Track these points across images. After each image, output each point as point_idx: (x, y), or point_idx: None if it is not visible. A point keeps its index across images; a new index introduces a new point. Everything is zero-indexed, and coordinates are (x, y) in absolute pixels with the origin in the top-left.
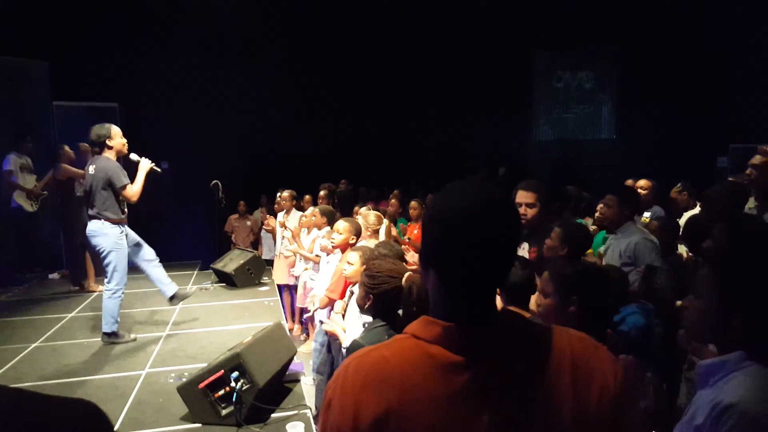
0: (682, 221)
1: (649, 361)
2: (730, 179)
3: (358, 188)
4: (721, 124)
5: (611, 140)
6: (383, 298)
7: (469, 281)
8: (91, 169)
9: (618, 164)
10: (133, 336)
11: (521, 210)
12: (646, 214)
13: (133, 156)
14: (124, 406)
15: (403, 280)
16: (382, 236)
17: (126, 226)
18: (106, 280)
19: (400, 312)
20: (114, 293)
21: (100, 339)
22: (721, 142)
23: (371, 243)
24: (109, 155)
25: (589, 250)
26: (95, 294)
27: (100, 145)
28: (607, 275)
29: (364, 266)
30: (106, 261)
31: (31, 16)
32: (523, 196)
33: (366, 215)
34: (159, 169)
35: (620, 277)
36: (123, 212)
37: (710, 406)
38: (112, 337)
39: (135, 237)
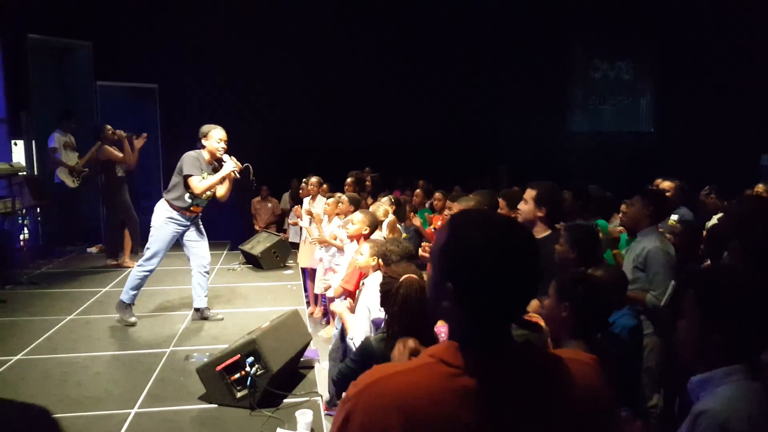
0: (708, 225)
1: (638, 360)
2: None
3: (386, 176)
4: (766, 121)
5: (648, 133)
6: (386, 298)
7: (495, 311)
8: None
9: (654, 159)
10: (133, 319)
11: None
12: (674, 217)
13: (225, 156)
14: (147, 382)
15: (400, 280)
16: (384, 230)
17: (189, 219)
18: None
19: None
20: (140, 266)
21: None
22: (766, 139)
23: (375, 235)
24: (204, 152)
25: (616, 251)
26: (129, 270)
27: (199, 140)
28: (599, 283)
29: (379, 262)
30: (149, 236)
31: None
32: (528, 194)
33: (376, 207)
34: (239, 168)
35: (616, 282)
36: (186, 203)
37: (691, 416)
38: (120, 307)
39: (199, 237)
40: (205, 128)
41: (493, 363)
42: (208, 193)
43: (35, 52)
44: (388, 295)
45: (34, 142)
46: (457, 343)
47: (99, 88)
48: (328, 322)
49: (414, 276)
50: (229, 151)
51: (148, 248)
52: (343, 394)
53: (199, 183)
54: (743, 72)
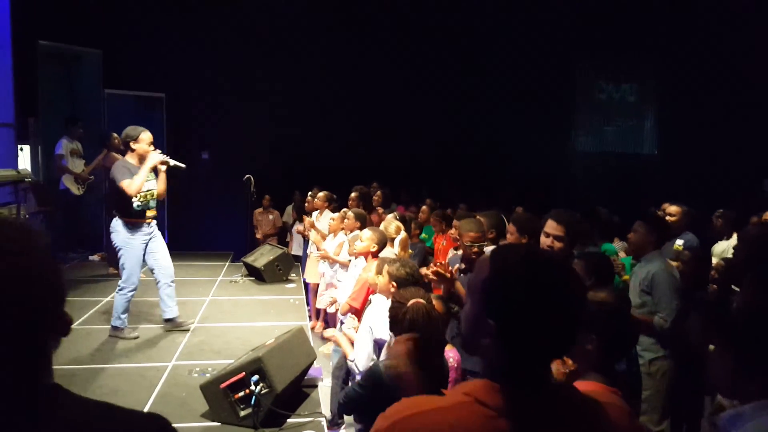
0: (715, 249)
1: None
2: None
3: (389, 190)
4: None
5: (652, 155)
6: (393, 322)
7: (536, 350)
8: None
9: (657, 181)
10: (135, 334)
11: (548, 241)
12: (679, 242)
13: (155, 155)
14: (149, 397)
15: (408, 304)
16: (396, 247)
17: (148, 227)
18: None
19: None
20: (122, 290)
21: (133, 326)
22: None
23: (386, 251)
24: (130, 157)
25: (626, 276)
26: None
27: (125, 145)
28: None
29: (391, 283)
30: (118, 257)
31: (87, 4)
32: (552, 228)
33: (387, 224)
34: (181, 165)
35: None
36: (136, 210)
37: None
38: (116, 331)
39: (161, 247)
40: (132, 132)
41: (531, 405)
42: (149, 193)
43: (45, 59)
44: (395, 320)
45: (40, 147)
46: (493, 381)
47: (107, 95)
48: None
49: (421, 301)
50: (236, 161)
51: (123, 269)
52: (345, 415)
53: (128, 185)
54: (747, 97)
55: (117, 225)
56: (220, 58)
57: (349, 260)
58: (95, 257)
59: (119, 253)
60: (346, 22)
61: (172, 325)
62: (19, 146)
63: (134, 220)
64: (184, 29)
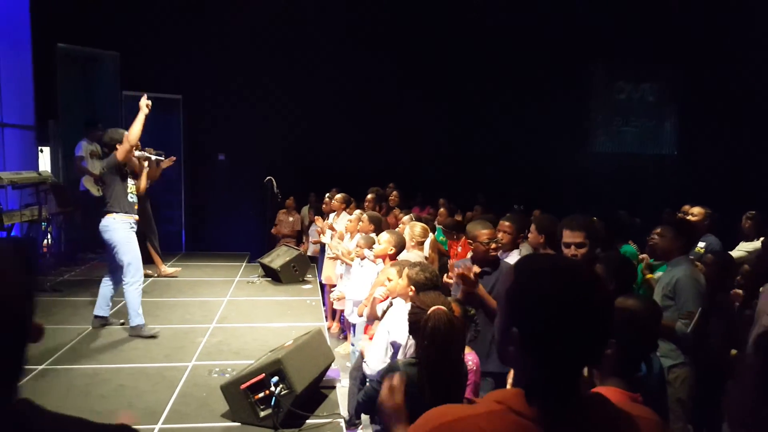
0: (735, 251)
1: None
2: None
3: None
4: None
5: (672, 156)
6: (414, 328)
7: (560, 360)
8: None
9: (676, 182)
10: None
11: (571, 251)
12: (701, 244)
13: (137, 153)
14: (170, 397)
15: (428, 311)
16: (426, 250)
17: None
18: (122, 275)
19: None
20: (131, 285)
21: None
22: None
23: (413, 254)
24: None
25: (650, 275)
26: (150, 280)
27: (111, 148)
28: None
29: (410, 287)
30: (120, 255)
31: (105, 7)
32: (570, 236)
33: (413, 226)
34: (161, 158)
35: (651, 312)
36: (131, 201)
37: None
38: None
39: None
40: (116, 135)
41: (562, 415)
42: (134, 190)
43: (64, 61)
44: (416, 326)
45: (60, 149)
46: (524, 390)
47: (124, 97)
48: (345, 338)
49: (442, 308)
50: (251, 163)
51: (128, 264)
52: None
53: (126, 134)
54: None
55: (114, 223)
56: (236, 59)
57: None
58: None
59: (121, 250)
60: (360, 25)
61: (136, 333)
62: (40, 148)
63: (129, 215)
64: (200, 31)
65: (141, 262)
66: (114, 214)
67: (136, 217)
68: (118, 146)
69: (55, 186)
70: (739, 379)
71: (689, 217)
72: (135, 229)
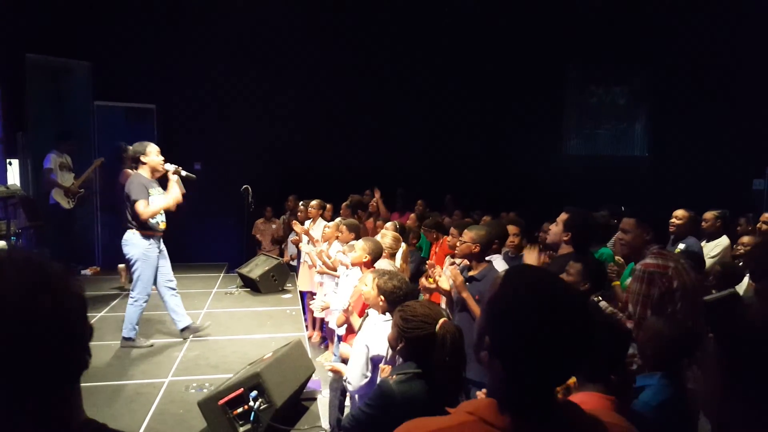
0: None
1: None
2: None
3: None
4: (759, 146)
5: (643, 158)
6: (415, 343)
7: (528, 375)
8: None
9: (649, 183)
10: (149, 342)
11: (558, 239)
12: (681, 246)
13: (168, 166)
14: (146, 414)
15: (437, 326)
16: (398, 260)
17: (159, 240)
18: (131, 287)
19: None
20: (136, 301)
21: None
22: (758, 164)
23: (384, 263)
24: (143, 171)
25: (616, 282)
26: (123, 294)
27: (135, 161)
28: (619, 323)
29: (398, 309)
30: (133, 269)
31: (75, 16)
32: (557, 234)
33: (384, 236)
34: (193, 176)
35: (688, 336)
36: (155, 222)
37: None
38: (129, 342)
39: (164, 255)
40: (139, 147)
41: (534, 426)
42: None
43: (33, 72)
44: (423, 342)
45: (29, 162)
46: (496, 400)
47: (96, 108)
48: (326, 347)
49: (447, 319)
50: (228, 172)
51: (137, 280)
52: None
53: (144, 209)
54: (736, 97)
55: (133, 238)
56: (210, 68)
57: (342, 268)
58: (87, 271)
59: (135, 265)
60: (334, 28)
61: (191, 333)
62: (8, 161)
63: (151, 232)
64: (173, 40)
65: (151, 282)
66: (135, 229)
67: (160, 232)
68: (141, 158)
69: (24, 199)
70: (703, 368)
71: (673, 220)
72: (157, 247)
